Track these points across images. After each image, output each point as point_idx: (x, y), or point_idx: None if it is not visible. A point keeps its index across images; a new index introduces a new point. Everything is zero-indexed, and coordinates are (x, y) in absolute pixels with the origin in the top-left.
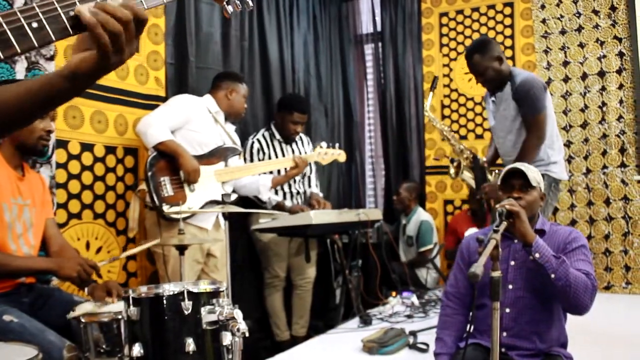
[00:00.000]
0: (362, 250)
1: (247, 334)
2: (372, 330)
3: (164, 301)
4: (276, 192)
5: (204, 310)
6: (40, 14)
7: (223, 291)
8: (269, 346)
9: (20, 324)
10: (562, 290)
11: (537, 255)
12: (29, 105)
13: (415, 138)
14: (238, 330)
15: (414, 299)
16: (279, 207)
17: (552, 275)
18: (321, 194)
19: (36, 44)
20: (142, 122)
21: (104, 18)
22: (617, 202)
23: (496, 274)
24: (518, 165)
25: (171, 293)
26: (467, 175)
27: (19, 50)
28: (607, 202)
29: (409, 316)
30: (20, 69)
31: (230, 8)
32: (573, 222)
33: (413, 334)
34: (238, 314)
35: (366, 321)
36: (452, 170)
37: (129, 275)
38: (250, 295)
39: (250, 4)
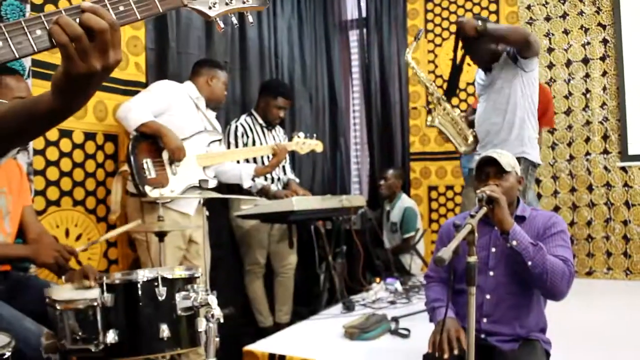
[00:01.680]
0: (345, 237)
1: (222, 320)
2: (355, 316)
3: (138, 287)
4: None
5: (178, 297)
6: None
7: (198, 277)
8: (252, 332)
9: None
10: (539, 277)
11: (514, 242)
12: (19, 120)
13: (399, 124)
14: (213, 316)
15: (398, 285)
16: (264, 190)
17: (529, 263)
18: (297, 180)
19: (17, 55)
20: (122, 108)
21: (64, 21)
22: (600, 189)
23: (472, 259)
24: (490, 152)
25: (145, 279)
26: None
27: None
28: (590, 188)
29: (392, 302)
30: None
31: (221, 23)
32: (556, 209)
33: (395, 320)
34: (212, 300)
35: (349, 307)
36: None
37: (109, 263)
38: (234, 282)
39: (235, 21)
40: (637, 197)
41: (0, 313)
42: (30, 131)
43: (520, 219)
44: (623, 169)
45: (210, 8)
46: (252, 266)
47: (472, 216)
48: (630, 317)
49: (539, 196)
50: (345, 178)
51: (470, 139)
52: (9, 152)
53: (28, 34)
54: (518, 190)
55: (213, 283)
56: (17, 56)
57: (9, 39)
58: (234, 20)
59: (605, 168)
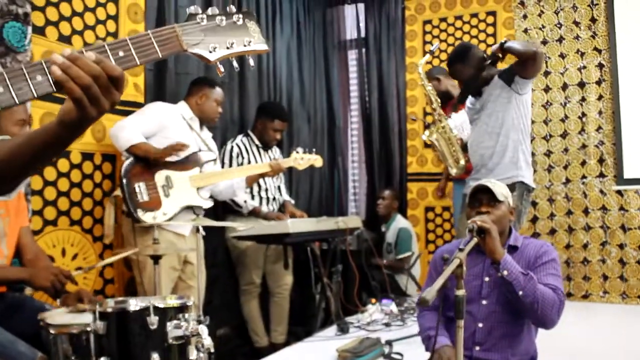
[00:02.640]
0: (341, 257)
1: (212, 350)
2: (349, 338)
3: (130, 316)
4: (252, 198)
5: (170, 325)
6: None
7: (190, 305)
8: (247, 352)
9: None
10: (530, 306)
11: (505, 272)
12: (30, 152)
13: (397, 145)
14: (203, 345)
15: (393, 306)
16: (256, 212)
17: (520, 292)
18: (292, 201)
19: (17, 101)
20: (115, 126)
21: (74, 73)
22: (596, 212)
23: (460, 292)
24: (483, 181)
25: (137, 308)
26: (438, 138)
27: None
28: (586, 211)
29: (387, 324)
30: None
31: (222, 67)
32: (552, 231)
33: (389, 343)
34: (203, 329)
35: (343, 329)
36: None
37: (105, 282)
38: (230, 301)
39: (236, 65)
40: (633, 220)
41: None
42: (40, 161)
43: (513, 249)
44: (619, 192)
45: (210, 52)
46: (247, 286)
47: (460, 250)
48: (626, 341)
49: (535, 219)
50: (343, 197)
51: (462, 162)
52: (20, 184)
53: (29, 79)
54: (510, 221)
55: (208, 303)
56: (17, 102)
57: (9, 85)
58: (235, 64)
59: (601, 191)
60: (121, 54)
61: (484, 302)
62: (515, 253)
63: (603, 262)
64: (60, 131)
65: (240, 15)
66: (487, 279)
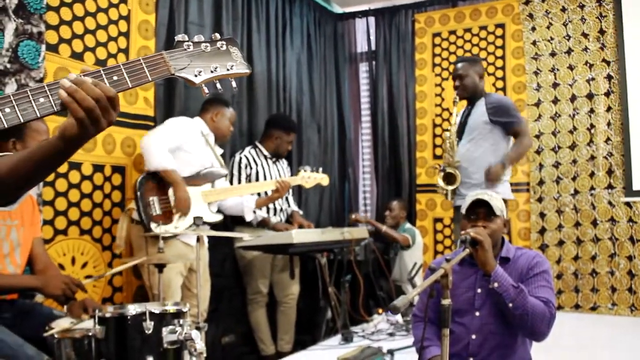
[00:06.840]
0: (347, 268)
1: (204, 354)
2: (353, 347)
3: (127, 321)
4: (260, 208)
5: (165, 330)
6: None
7: (186, 312)
8: None
9: (0, 338)
10: (520, 318)
11: (495, 284)
12: (32, 165)
13: (406, 156)
14: (195, 350)
15: (399, 317)
16: (265, 222)
17: (510, 304)
18: (301, 212)
19: (22, 120)
20: (149, 142)
21: (80, 96)
22: (604, 224)
23: (446, 302)
24: (482, 195)
25: (134, 313)
26: (447, 187)
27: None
28: (594, 223)
29: (391, 334)
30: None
31: (206, 89)
32: (561, 243)
33: (391, 352)
34: (196, 335)
35: (347, 338)
36: (440, 182)
37: (114, 290)
38: (237, 310)
39: (219, 86)
40: None
41: (4, 340)
42: (42, 173)
43: (505, 260)
44: (627, 204)
45: (195, 76)
46: (254, 295)
47: (447, 260)
48: (633, 354)
49: (543, 230)
50: (353, 208)
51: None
52: (22, 195)
53: (32, 101)
54: (503, 233)
55: (214, 310)
56: (22, 121)
57: (15, 106)
58: (218, 86)
59: (610, 203)
60: (115, 78)
61: (477, 313)
62: (508, 265)
63: (612, 274)
64: (60, 145)
65: (224, 42)
66: (479, 290)
